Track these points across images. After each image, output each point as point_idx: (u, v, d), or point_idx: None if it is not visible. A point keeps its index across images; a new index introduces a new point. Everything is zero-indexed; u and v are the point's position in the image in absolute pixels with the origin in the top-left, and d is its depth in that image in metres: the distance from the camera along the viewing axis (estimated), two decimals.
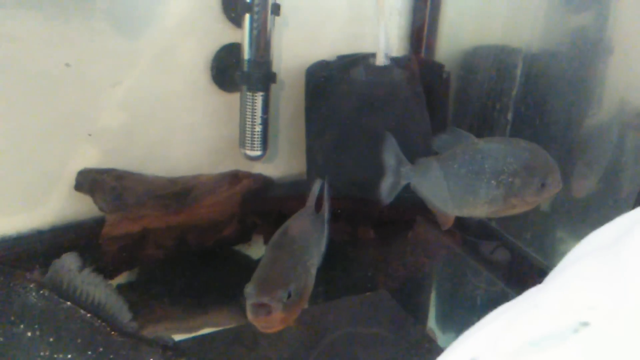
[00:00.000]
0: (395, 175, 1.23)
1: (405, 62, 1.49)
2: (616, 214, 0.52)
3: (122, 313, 0.76)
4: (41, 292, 0.73)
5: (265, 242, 1.41)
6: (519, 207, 1.14)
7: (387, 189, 1.24)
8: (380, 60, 1.45)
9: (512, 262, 1.42)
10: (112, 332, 0.74)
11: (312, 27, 1.49)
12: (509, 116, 1.46)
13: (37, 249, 1.28)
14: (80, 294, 0.74)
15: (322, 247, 1.13)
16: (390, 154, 1.23)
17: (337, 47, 1.52)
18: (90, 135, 1.30)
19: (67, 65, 1.25)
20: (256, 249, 1.42)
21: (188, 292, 1.32)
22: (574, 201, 1.35)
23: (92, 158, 1.33)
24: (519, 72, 1.44)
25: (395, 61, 1.47)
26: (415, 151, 1.41)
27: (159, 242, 1.31)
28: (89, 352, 0.72)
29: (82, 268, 0.75)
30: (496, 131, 1.49)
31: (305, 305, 1.01)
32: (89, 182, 1.29)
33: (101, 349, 0.73)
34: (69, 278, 0.74)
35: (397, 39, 1.61)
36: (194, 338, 1.14)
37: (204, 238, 1.35)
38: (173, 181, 1.36)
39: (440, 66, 1.58)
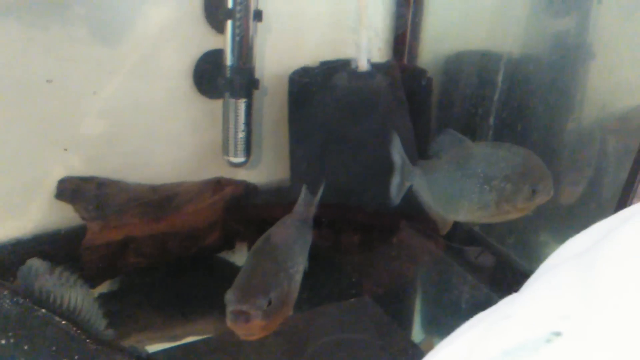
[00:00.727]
0: (400, 175, 1.24)
1: (387, 68, 1.49)
2: (599, 218, 0.52)
3: (98, 321, 0.75)
4: (15, 299, 0.71)
5: (250, 249, 1.40)
6: (511, 213, 1.14)
7: (395, 190, 1.25)
8: (362, 66, 1.45)
9: (496, 266, 1.42)
10: (87, 340, 0.73)
11: (294, 33, 1.49)
12: (491, 121, 1.47)
13: (17, 258, 1.27)
14: (54, 298, 0.73)
15: (306, 253, 1.12)
16: (396, 154, 1.24)
17: (320, 53, 1.52)
18: (66, 150, 1.29)
19: (49, 81, 1.25)
20: (240, 256, 1.41)
21: (171, 300, 1.31)
22: (557, 205, 1.36)
23: (73, 166, 1.31)
24: (500, 77, 1.45)
25: (377, 67, 1.47)
26: None
27: (141, 250, 1.29)
28: None
29: (51, 270, 0.74)
30: (478, 136, 1.49)
31: (290, 313, 1.00)
32: (70, 190, 1.27)
33: (76, 357, 0.72)
34: (40, 283, 0.73)
35: (380, 44, 1.61)
36: (177, 347, 1.13)
37: (187, 246, 1.34)
38: (155, 189, 1.35)
39: (422, 71, 1.58)
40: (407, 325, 1.30)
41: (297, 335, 1.16)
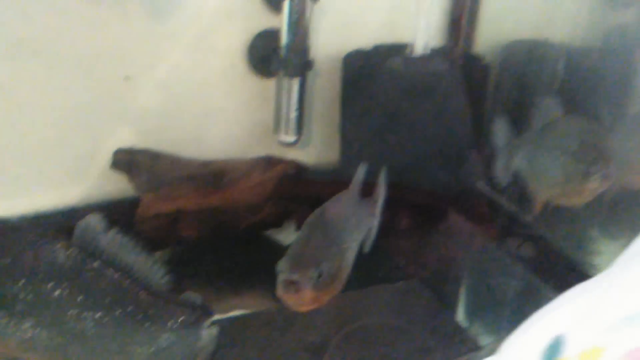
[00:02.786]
0: (505, 156, 1.22)
1: (447, 54, 1.47)
2: None
3: (154, 270, 0.76)
4: (69, 251, 0.72)
5: (297, 228, 1.40)
6: (574, 196, 1.10)
7: (501, 171, 1.23)
8: (419, 51, 1.43)
9: (545, 257, 1.38)
10: (141, 292, 0.73)
11: (350, 15, 1.47)
12: None
13: (70, 226, 1.29)
14: (108, 254, 0.73)
15: (362, 232, 1.10)
16: (500, 134, 1.22)
17: (375, 36, 1.50)
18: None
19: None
20: (287, 235, 1.41)
21: (218, 274, 1.32)
22: (603, 199, 1.32)
23: (127, 138, 1.33)
24: (561, 66, 1.42)
25: (434, 52, 1.45)
26: (454, 144, 1.39)
27: (191, 224, 1.31)
28: (118, 311, 0.72)
29: (108, 228, 0.74)
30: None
31: (340, 289, 0.98)
32: (125, 161, 1.29)
33: (130, 308, 0.72)
34: (95, 238, 0.73)
35: (435, 29, 1.59)
36: (227, 319, 1.13)
37: (236, 222, 1.35)
38: (207, 164, 1.36)
39: (478, 58, 1.55)
40: (456, 311, 1.27)
41: (345, 314, 1.15)
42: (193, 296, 0.80)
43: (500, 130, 1.22)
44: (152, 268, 0.76)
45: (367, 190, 1.15)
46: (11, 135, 1.25)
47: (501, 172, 1.23)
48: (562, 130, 1.14)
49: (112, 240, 0.74)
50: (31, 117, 1.25)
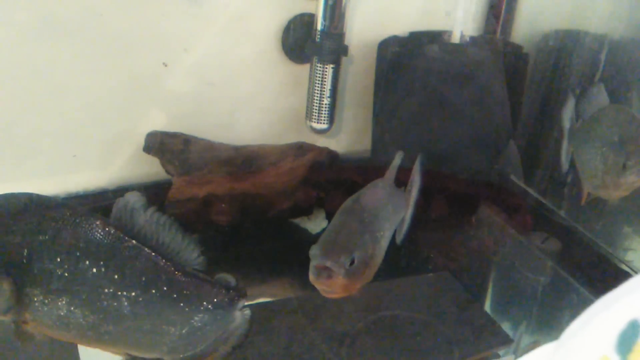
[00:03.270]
0: (568, 139, 1.20)
1: (486, 42, 1.44)
2: None
3: (189, 250, 0.75)
4: (107, 229, 0.72)
5: (327, 216, 1.39)
6: (611, 189, 1.07)
7: (564, 155, 1.20)
8: (457, 38, 1.41)
9: (578, 252, 1.35)
10: (176, 272, 0.73)
11: (385, 2, 1.45)
12: None
13: (101, 208, 1.30)
14: (145, 233, 0.73)
15: (395, 221, 1.08)
16: (568, 116, 1.19)
17: (411, 23, 1.48)
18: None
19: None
20: (315, 224, 1.40)
21: (247, 260, 1.31)
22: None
23: (160, 121, 1.33)
24: (603, 57, 1.38)
25: (473, 40, 1.42)
26: (492, 134, 1.37)
27: (222, 209, 1.30)
28: (153, 291, 0.72)
29: (147, 207, 0.74)
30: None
31: (371, 276, 0.97)
32: (158, 144, 1.29)
33: (165, 288, 0.72)
34: (133, 217, 0.73)
35: (473, 17, 1.55)
36: (256, 304, 1.13)
37: (266, 208, 1.34)
38: (238, 149, 1.35)
39: (517, 47, 1.52)
40: (486, 303, 1.26)
41: (376, 304, 1.14)
42: (227, 277, 0.79)
43: (567, 113, 1.19)
44: (187, 248, 0.75)
45: (401, 178, 1.13)
46: (45, 116, 1.25)
47: (564, 157, 1.20)
48: (606, 121, 1.11)
49: (150, 219, 0.73)
50: (66, 99, 1.25)
